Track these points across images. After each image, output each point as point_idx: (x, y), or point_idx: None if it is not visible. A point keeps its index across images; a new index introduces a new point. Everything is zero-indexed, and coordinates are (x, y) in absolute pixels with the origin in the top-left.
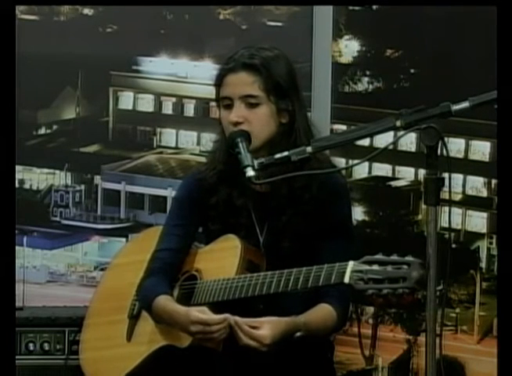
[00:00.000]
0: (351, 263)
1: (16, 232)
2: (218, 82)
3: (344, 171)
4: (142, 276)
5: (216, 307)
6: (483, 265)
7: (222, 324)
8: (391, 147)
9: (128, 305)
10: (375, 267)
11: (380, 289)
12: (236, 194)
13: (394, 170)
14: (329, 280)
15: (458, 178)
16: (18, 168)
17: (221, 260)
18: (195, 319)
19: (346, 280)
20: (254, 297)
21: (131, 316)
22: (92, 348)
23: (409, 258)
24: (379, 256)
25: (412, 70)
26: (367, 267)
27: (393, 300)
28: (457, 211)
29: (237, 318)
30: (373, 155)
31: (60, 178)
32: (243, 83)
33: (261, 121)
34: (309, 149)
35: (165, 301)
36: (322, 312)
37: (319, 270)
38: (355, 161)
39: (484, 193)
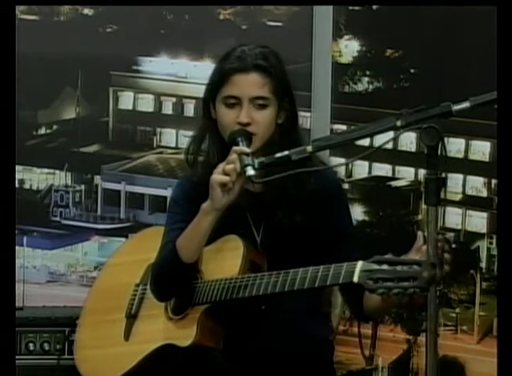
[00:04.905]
0: (360, 263)
1: (16, 232)
2: (222, 80)
3: (343, 172)
4: (154, 262)
5: (218, 308)
6: (483, 265)
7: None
8: (391, 147)
9: (124, 304)
10: (384, 267)
11: (391, 288)
12: None
13: (394, 170)
14: (337, 280)
15: (458, 178)
16: (18, 168)
17: (223, 261)
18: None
19: (355, 279)
20: (255, 298)
21: (129, 315)
22: (88, 346)
23: (419, 258)
24: (389, 256)
25: (412, 70)
26: (376, 266)
27: (404, 300)
28: (457, 211)
29: None
30: (369, 153)
31: (60, 178)
32: (254, 84)
33: (267, 122)
34: (309, 148)
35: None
36: None
37: (326, 270)
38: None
39: (484, 193)
